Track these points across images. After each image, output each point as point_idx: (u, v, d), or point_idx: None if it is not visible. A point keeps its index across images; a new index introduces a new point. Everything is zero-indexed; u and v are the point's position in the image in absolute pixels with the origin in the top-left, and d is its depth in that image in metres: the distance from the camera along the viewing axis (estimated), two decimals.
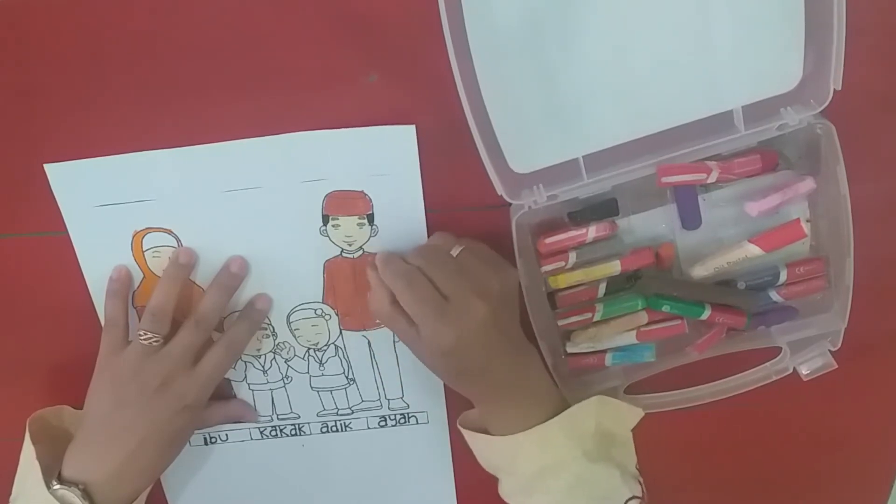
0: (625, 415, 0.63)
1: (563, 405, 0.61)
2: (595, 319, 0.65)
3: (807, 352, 0.67)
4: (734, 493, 0.79)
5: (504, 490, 0.64)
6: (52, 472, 0.61)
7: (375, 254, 0.64)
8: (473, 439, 0.64)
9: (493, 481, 0.64)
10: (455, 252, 0.59)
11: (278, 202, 0.62)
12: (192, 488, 0.75)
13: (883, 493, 0.78)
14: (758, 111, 0.57)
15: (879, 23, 0.58)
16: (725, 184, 0.60)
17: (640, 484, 0.62)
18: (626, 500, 0.59)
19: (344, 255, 0.64)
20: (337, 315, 0.67)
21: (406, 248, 0.63)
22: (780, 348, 0.67)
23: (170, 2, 0.57)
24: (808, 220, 0.62)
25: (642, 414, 0.64)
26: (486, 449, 0.64)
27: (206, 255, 0.64)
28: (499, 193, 0.58)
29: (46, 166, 0.61)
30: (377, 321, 0.67)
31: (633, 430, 0.64)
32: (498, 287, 0.59)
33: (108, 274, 0.65)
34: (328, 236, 0.64)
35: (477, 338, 0.57)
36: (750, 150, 0.59)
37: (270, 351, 0.69)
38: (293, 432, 0.73)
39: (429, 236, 0.63)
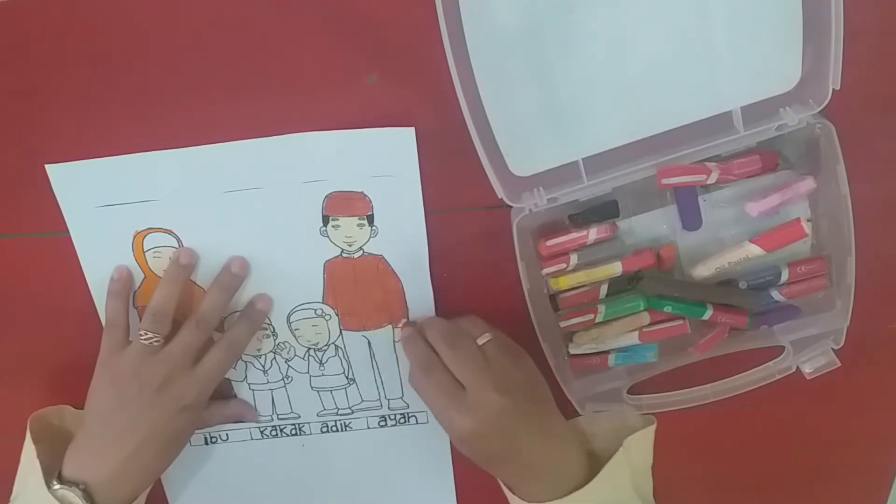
0: (645, 441, 0.65)
1: (596, 470, 0.62)
2: (597, 320, 0.67)
3: (809, 350, 0.69)
4: (736, 492, 0.80)
5: None
6: (53, 472, 0.62)
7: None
8: (506, 493, 0.65)
9: (493, 481, 0.66)
10: (482, 341, 0.61)
11: (279, 203, 0.64)
12: (192, 488, 0.77)
13: (883, 492, 0.79)
14: (757, 112, 0.59)
15: (877, 22, 0.59)
16: (725, 184, 0.62)
17: None
18: None
19: (344, 255, 0.66)
20: (337, 315, 0.69)
21: (406, 249, 0.66)
22: (783, 347, 0.69)
23: (171, 2, 0.59)
24: (808, 220, 0.63)
25: (655, 424, 0.66)
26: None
27: (206, 255, 0.66)
28: (499, 197, 0.59)
29: (48, 167, 0.63)
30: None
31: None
32: (521, 377, 0.61)
33: (109, 274, 0.66)
34: (328, 237, 0.65)
35: (495, 429, 0.59)
36: (749, 150, 0.61)
37: (271, 351, 0.71)
38: (293, 432, 0.75)
39: (429, 238, 0.65)
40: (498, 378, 0.60)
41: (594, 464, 0.63)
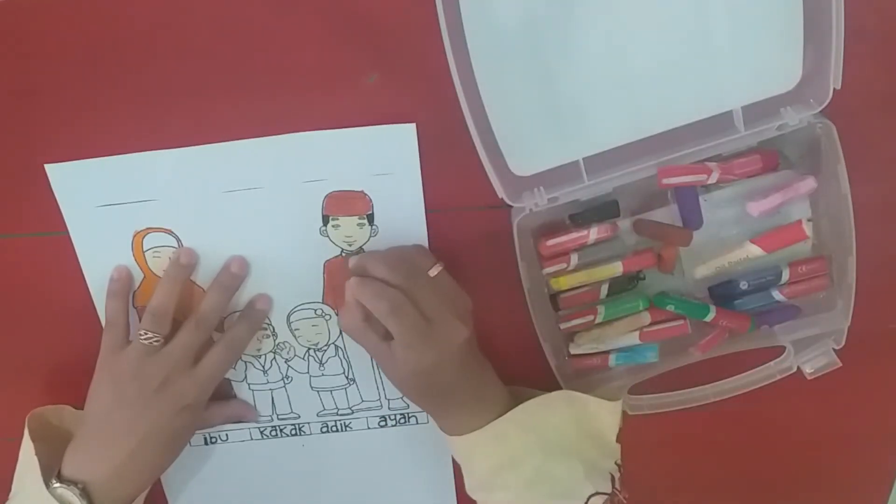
0: (597, 409, 0.65)
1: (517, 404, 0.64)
2: (598, 321, 0.67)
3: (810, 350, 0.69)
4: (736, 492, 0.80)
5: (468, 486, 0.67)
6: (52, 472, 0.62)
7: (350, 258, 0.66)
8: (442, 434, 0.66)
9: None
10: (434, 272, 0.61)
11: (279, 202, 0.64)
12: (192, 488, 0.77)
13: (883, 492, 0.79)
14: (758, 111, 0.59)
15: (878, 22, 0.59)
16: (726, 184, 0.62)
17: (613, 480, 0.63)
18: (589, 497, 0.61)
19: (344, 255, 0.66)
20: (337, 315, 0.69)
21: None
22: (784, 347, 0.69)
23: (171, 2, 0.59)
24: (809, 220, 0.63)
25: (618, 404, 0.65)
26: (449, 446, 0.66)
27: (206, 255, 0.66)
28: (499, 196, 0.59)
29: (47, 166, 0.63)
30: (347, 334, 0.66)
31: (627, 427, 0.66)
32: (470, 307, 0.62)
33: (109, 274, 0.66)
34: (328, 236, 0.66)
35: (454, 358, 0.60)
36: (750, 150, 0.61)
37: (270, 351, 0.71)
38: (293, 432, 0.75)
39: (429, 237, 0.65)
40: (456, 306, 0.61)
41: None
